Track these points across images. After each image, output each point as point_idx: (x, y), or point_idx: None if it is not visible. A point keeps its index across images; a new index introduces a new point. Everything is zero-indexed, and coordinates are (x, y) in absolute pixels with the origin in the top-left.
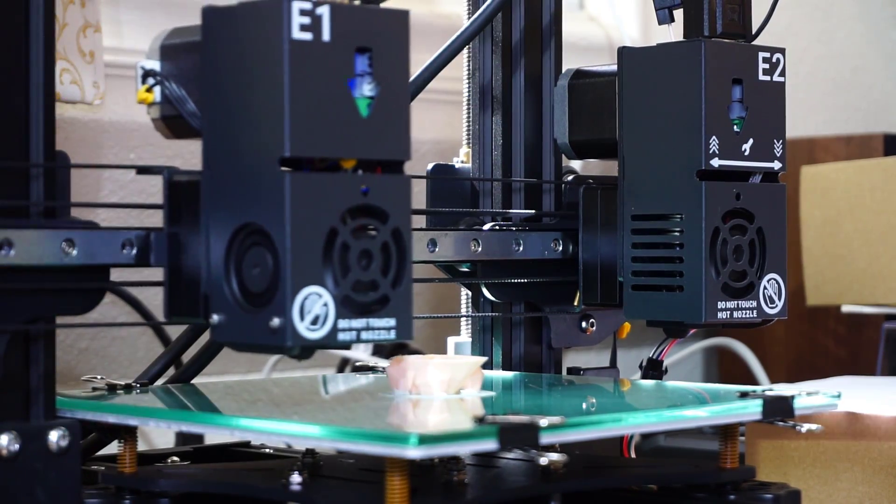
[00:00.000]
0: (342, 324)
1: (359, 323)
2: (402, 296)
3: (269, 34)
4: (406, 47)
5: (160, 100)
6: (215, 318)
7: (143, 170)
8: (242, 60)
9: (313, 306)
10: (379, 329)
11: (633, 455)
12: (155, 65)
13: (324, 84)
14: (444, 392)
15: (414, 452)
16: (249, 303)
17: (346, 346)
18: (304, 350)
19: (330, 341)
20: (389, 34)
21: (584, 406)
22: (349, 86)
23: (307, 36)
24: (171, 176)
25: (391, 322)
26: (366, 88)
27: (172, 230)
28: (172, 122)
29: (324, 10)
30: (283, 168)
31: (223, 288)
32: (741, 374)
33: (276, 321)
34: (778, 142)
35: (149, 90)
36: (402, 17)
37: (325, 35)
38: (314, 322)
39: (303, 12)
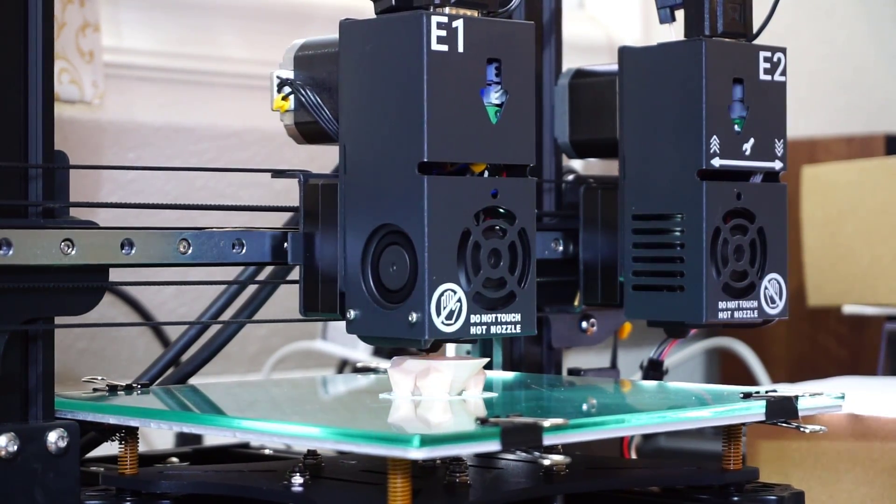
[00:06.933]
0: (474, 318)
1: (488, 318)
2: (527, 292)
3: (408, 46)
4: (531, 57)
5: (295, 107)
6: (352, 313)
7: (277, 173)
8: (381, 70)
9: (448, 302)
10: (506, 324)
11: (633, 456)
12: (289, 74)
13: (458, 92)
14: (446, 393)
15: (416, 453)
16: (386, 299)
17: (476, 340)
18: (435, 343)
19: (463, 335)
20: (516, 45)
21: (587, 407)
22: (480, 94)
23: (444, 48)
24: (307, 179)
25: (517, 317)
26: (494, 96)
27: (308, 230)
28: (306, 129)
29: (459, 24)
30: (420, 172)
31: (360, 285)
32: (742, 374)
33: (414, 316)
34: (779, 141)
35: (284, 98)
36: (527, 29)
37: (460, 47)
38: (449, 317)
39: (440, 25)
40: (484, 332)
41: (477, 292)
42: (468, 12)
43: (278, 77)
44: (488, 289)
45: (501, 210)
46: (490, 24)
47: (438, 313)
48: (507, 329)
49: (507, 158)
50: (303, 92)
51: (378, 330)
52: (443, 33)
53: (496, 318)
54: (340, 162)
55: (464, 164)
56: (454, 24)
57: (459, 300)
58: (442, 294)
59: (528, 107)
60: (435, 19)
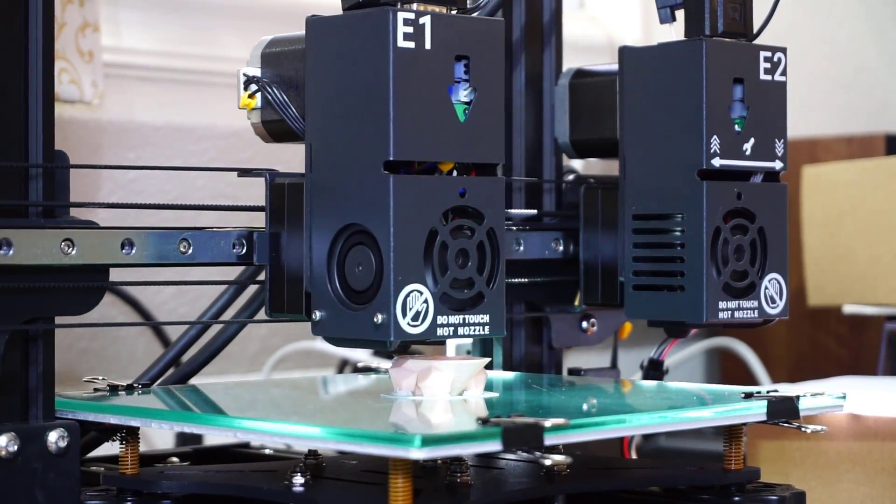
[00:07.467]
0: (440, 320)
1: (456, 319)
2: (496, 293)
3: (374, 42)
4: (501, 55)
5: (261, 105)
6: (317, 314)
7: (243, 172)
8: (347, 67)
9: (414, 303)
10: (474, 325)
11: (633, 456)
12: (256, 72)
13: (425, 90)
14: (447, 393)
15: (417, 453)
16: (352, 300)
17: (444, 341)
18: (402, 345)
19: (429, 336)
20: (485, 42)
21: (587, 407)
22: (448, 92)
23: (410, 44)
24: (273, 178)
25: (485, 318)
26: (463, 94)
27: (274, 230)
28: (273, 127)
29: (426, 20)
30: (386, 171)
31: (326, 286)
32: (742, 374)
33: (379, 317)
34: (779, 141)
35: (251, 96)
36: (497, 26)
37: (427, 44)
38: (415, 318)
39: (406, 22)
40: (451, 333)
41: (444, 293)
42: (436, 8)
43: (245, 74)
44: (456, 289)
45: (470, 209)
46: (458, 21)
47: (404, 314)
48: (475, 330)
49: (475, 157)
50: (269, 90)
51: (344, 331)
52: (409, 30)
53: (464, 319)
54: (306, 161)
55: (431, 163)
56: (421, 20)
57: (426, 301)
58: (408, 295)
59: (497, 105)
60: (401, 15)
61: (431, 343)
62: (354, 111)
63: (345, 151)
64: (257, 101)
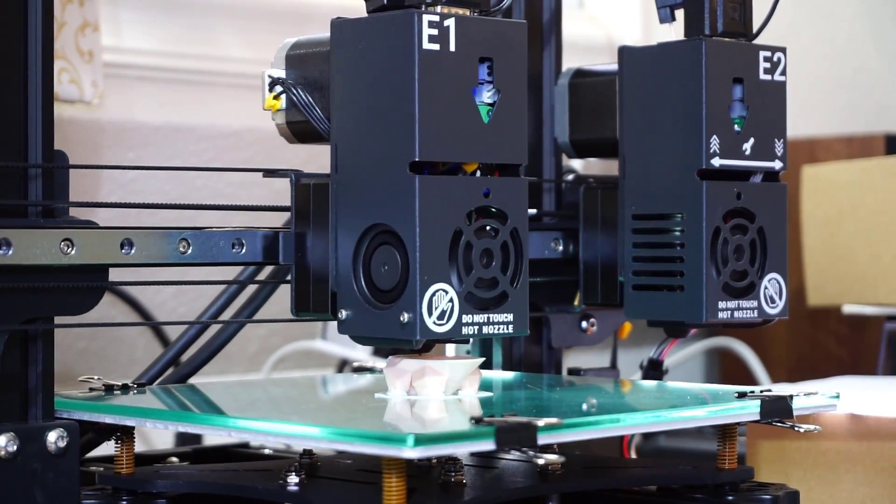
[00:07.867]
0: (465, 318)
1: (480, 318)
2: (520, 292)
3: (399, 45)
4: (524, 56)
5: (286, 106)
6: (343, 313)
7: (269, 173)
8: (372, 69)
9: (440, 302)
10: (498, 324)
11: (633, 456)
12: (281, 73)
13: (450, 92)
14: (441, 392)
15: (410, 453)
16: (377, 299)
17: (468, 340)
18: (427, 343)
19: (454, 335)
20: (508, 44)
21: (583, 406)
22: (472, 93)
23: (435, 46)
24: (298, 179)
25: (509, 317)
26: (486, 96)
27: (299, 230)
28: (298, 128)
29: (450, 23)
30: (412, 172)
31: (351, 285)
32: (742, 374)
33: (405, 316)
34: (779, 141)
35: (276, 97)
36: (520, 28)
37: (452, 46)
38: (440, 317)
39: (431, 24)
40: (476, 332)
41: (469, 292)
42: (460, 11)
43: (270, 76)
44: (480, 289)
45: (493, 209)
46: (482, 23)
47: (430, 313)
48: (499, 329)
49: (499, 158)
50: (294, 91)
51: (370, 330)
52: (434, 32)
53: (488, 318)
54: (332, 161)
55: (456, 164)
56: (446, 22)
57: (451, 300)
58: (434, 294)
59: (520, 106)
60: (426, 18)
61: (456, 342)
62: (380, 112)
63: (370, 152)
64: (282, 102)
